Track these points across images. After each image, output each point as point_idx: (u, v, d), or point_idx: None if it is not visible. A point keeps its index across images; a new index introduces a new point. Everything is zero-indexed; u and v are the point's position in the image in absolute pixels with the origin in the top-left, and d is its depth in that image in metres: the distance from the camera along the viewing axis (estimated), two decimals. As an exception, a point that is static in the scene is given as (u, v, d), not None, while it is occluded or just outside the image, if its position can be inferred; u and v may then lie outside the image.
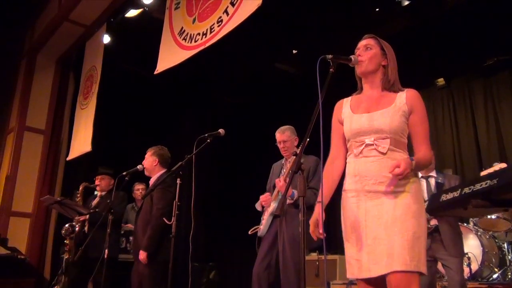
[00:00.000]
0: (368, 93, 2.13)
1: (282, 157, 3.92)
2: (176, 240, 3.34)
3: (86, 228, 4.56)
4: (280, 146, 3.81)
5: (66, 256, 4.49)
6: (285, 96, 7.63)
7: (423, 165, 2.04)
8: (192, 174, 3.29)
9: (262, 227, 3.71)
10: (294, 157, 3.82)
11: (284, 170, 3.83)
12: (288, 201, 3.56)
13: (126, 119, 7.12)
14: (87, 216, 4.46)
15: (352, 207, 2.01)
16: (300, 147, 1.96)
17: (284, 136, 3.77)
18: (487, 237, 4.51)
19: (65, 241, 4.69)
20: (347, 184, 2.06)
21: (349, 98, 2.23)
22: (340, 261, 5.96)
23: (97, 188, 4.88)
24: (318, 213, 2.06)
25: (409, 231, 1.85)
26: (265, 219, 3.71)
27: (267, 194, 3.78)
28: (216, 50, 5.22)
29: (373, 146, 1.99)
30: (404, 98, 2.05)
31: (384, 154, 1.98)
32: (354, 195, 2.01)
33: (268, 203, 3.74)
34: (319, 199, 2.05)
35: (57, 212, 5.88)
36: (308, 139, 1.90)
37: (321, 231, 2.04)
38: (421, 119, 2.04)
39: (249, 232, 3.87)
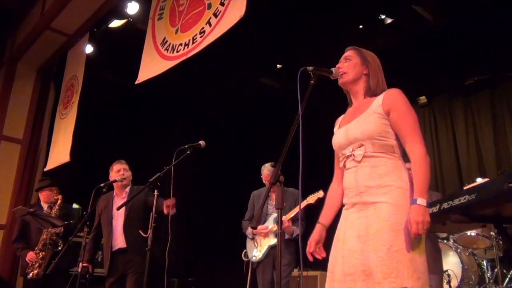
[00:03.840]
0: (355, 104, 2.12)
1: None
2: (154, 254, 3.27)
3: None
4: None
5: (35, 271, 4.28)
6: (269, 111, 7.63)
7: (423, 175, 1.81)
8: (171, 186, 3.23)
9: (260, 255, 4.12)
10: (278, 186, 4.03)
11: (271, 201, 4.24)
12: (286, 237, 4.00)
13: (106, 129, 7.01)
14: (61, 229, 4.31)
15: (342, 221, 1.99)
16: (279, 161, 1.92)
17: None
18: (467, 254, 4.51)
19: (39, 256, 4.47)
20: (344, 198, 2.05)
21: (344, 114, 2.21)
22: (321, 277, 5.93)
23: (50, 200, 4.61)
24: (315, 234, 2.07)
25: (384, 245, 1.75)
26: (264, 248, 4.11)
27: (265, 226, 4.15)
28: (201, 64, 5.22)
29: (352, 156, 1.97)
30: (381, 100, 1.97)
31: (359, 162, 1.93)
32: (346, 208, 1.99)
33: (265, 234, 4.15)
34: (320, 219, 2.11)
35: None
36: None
37: (311, 250, 2.03)
38: (401, 115, 1.91)
39: (243, 258, 4.36)
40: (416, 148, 1.86)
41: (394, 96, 1.96)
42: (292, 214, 4.03)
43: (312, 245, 2.03)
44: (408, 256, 1.73)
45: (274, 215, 4.14)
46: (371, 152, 1.92)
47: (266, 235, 4.15)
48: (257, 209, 4.21)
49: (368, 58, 2.09)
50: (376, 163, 1.90)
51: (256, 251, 4.19)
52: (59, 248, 4.29)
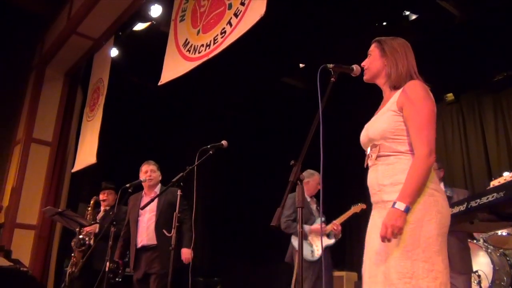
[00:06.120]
0: (383, 98, 2.07)
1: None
2: (177, 253, 3.30)
3: (91, 241, 4.53)
4: None
5: (69, 270, 4.44)
6: (292, 110, 7.61)
7: (413, 179, 1.72)
8: (194, 186, 3.25)
9: (320, 253, 4.13)
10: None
11: (313, 205, 4.31)
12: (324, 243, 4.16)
13: (132, 131, 7.12)
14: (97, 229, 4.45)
15: (369, 221, 1.96)
16: (299, 159, 1.92)
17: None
18: (498, 254, 4.37)
19: (72, 254, 4.63)
20: None
21: None
22: (347, 277, 5.88)
23: (103, 203, 4.85)
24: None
25: (398, 245, 1.71)
26: (320, 250, 4.12)
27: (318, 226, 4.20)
28: (224, 64, 5.23)
29: (369, 156, 1.96)
30: (397, 95, 1.90)
31: (375, 161, 1.90)
32: (373, 208, 1.96)
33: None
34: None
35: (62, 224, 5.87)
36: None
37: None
38: (412, 111, 1.81)
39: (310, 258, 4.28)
40: (419, 148, 1.76)
41: (409, 90, 1.86)
42: (343, 219, 4.26)
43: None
44: (424, 255, 1.67)
45: (319, 217, 4.14)
46: (384, 151, 1.88)
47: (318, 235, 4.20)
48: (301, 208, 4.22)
49: (386, 48, 2.01)
50: (389, 161, 1.86)
51: (314, 250, 4.17)
52: (84, 248, 4.43)
